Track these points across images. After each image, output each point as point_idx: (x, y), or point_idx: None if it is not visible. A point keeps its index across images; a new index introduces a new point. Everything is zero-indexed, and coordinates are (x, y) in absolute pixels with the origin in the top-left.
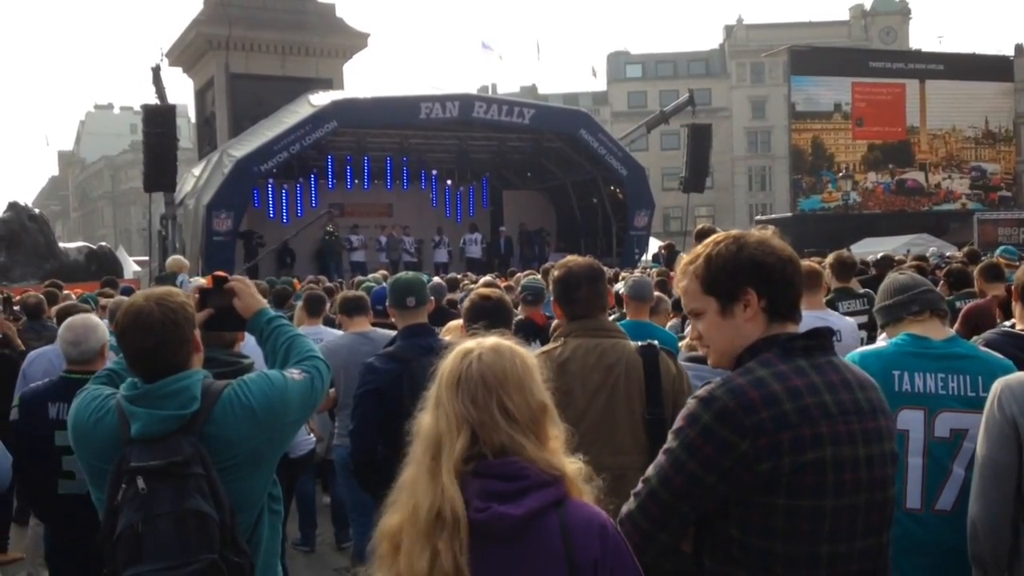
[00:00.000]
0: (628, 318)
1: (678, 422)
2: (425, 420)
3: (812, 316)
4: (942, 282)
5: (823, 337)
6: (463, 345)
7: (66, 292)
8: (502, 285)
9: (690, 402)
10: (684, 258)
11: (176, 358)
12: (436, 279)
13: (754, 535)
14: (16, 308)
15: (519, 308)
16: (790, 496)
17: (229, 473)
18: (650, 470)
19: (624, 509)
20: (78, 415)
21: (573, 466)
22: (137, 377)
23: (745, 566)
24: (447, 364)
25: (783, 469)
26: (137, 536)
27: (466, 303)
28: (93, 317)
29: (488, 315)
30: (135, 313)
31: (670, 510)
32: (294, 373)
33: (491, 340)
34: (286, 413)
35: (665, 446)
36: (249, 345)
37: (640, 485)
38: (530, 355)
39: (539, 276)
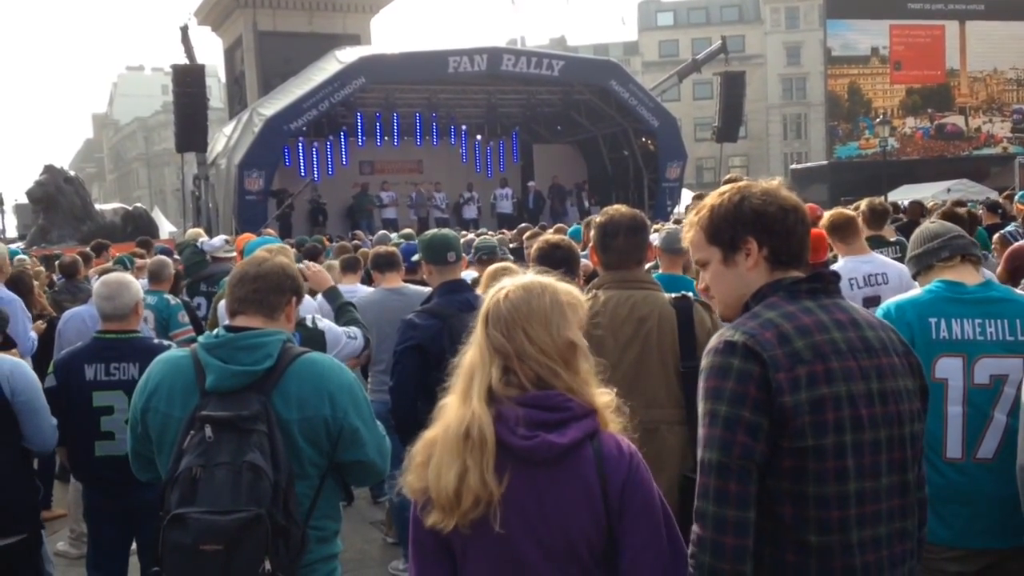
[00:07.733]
0: (661, 271)
1: (706, 383)
2: (466, 355)
3: (857, 261)
4: None
5: (827, 280)
6: (498, 285)
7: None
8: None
9: (707, 359)
10: (691, 211)
11: (270, 297)
12: (468, 235)
13: (785, 479)
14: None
15: None
16: (815, 436)
17: (284, 436)
18: (701, 453)
19: (697, 510)
20: (158, 363)
21: (603, 398)
22: (228, 312)
23: (772, 513)
24: (483, 303)
25: (803, 406)
26: (194, 480)
27: (534, 250)
28: (128, 276)
29: (559, 264)
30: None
31: (747, 476)
32: (380, 425)
33: (524, 279)
34: (350, 415)
35: (704, 417)
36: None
37: (700, 478)
38: (568, 293)
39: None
